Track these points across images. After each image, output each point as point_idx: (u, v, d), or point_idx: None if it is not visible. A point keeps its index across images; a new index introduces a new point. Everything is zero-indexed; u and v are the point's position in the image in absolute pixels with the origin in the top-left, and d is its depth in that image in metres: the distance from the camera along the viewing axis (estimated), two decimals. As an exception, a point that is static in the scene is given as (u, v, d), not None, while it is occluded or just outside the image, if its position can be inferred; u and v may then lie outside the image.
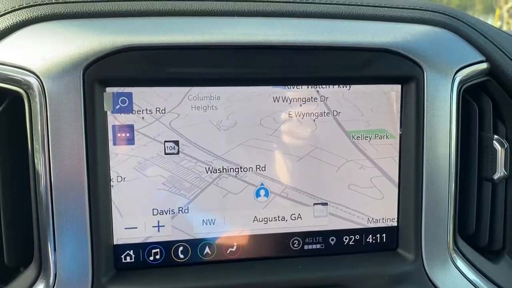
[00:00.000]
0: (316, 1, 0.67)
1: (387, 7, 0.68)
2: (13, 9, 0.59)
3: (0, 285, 0.62)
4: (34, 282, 0.59)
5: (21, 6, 0.59)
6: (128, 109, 0.58)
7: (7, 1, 0.60)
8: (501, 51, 0.70)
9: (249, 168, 0.62)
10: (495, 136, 0.70)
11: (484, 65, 0.68)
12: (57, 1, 0.59)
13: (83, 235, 0.57)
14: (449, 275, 0.67)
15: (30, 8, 0.59)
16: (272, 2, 0.65)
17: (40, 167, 0.56)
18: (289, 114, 0.62)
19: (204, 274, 0.62)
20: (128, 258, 0.61)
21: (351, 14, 0.66)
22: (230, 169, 0.62)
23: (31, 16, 0.58)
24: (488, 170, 0.71)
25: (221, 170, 0.61)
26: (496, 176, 0.70)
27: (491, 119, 0.71)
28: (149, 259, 0.62)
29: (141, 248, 0.61)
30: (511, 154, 0.71)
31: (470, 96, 0.70)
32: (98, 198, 0.58)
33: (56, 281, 0.57)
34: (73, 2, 0.60)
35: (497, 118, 0.73)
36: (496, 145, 0.70)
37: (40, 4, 0.59)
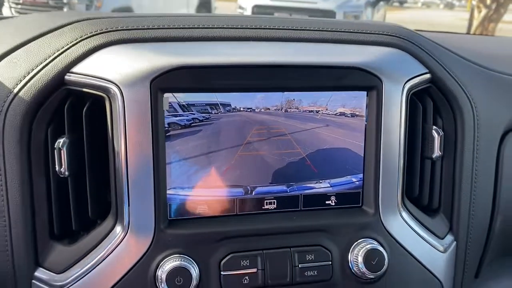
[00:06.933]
0: (307, 28, 0.80)
1: (358, 32, 0.82)
2: (96, 32, 0.72)
3: (82, 233, 0.75)
4: (112, 229, 0.72)
5: (102, 31, 0.72)
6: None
7: (91, 26, 0.73)
8: (439, 64, 0.84)
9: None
10: (434, 127, 0.85)
11: (427, 76, 0.83)
12: (128, 28, 0.72)
13: (148, 196, 0.72)
14: (398, 224, 0.83)
15: (110, 32, 0.72)
16: (275, 29, 0.78)
17: (119, 150, 0.71)
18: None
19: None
20: (178, 210, 0.76)
21: (332, 39, 0.80)
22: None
23: (111, 39, 0.71)
24: (428, 151, 0.86)
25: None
26: (434, 155, 0.86)
27: (432, 115, 0.86)
28: (197, 212, 0.77)
29: (191, 202, 0.77)
30: (445, 139, 0.86)
31: (417, 97, 0.83)
32: (159, 172, 0.72)
33: (129, 227, 0.72)
34: (141, 29, 0.73)
35: (436, 113, 0.87)
36: (434, 133, 0.85)
37: (117, 30, 0.72)
